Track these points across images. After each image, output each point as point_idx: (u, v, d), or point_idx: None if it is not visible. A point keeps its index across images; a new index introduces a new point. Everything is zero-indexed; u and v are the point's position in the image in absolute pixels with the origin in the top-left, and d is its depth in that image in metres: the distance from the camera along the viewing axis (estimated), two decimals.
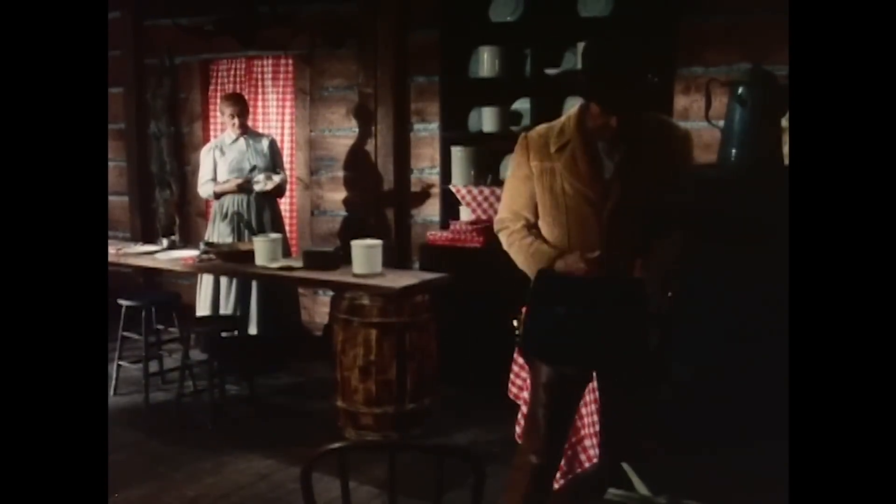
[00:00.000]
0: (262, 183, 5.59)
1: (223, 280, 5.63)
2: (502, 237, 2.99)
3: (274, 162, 5.77)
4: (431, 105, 5.76)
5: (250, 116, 6.36)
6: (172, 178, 6.90)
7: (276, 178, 5.65)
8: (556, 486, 3.37)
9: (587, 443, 3.51)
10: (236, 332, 5.34)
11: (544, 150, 2.85)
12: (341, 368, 4.52)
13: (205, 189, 5.77)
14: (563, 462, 3.42)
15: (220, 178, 5.69)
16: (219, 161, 5.69)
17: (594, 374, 3.05)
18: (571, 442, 3.44)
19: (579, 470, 3.48)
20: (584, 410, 3.48)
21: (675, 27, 4.92)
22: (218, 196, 5.72)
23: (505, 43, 5.33)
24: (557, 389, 2.91)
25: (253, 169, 5.65)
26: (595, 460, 3.48)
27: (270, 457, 4.32)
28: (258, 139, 5.78)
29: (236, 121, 5.66)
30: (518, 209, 2.93)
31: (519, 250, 2.91)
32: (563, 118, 2.92)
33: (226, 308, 5.64)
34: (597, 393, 3.25)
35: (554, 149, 2.83)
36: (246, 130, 5.75)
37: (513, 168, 2.97)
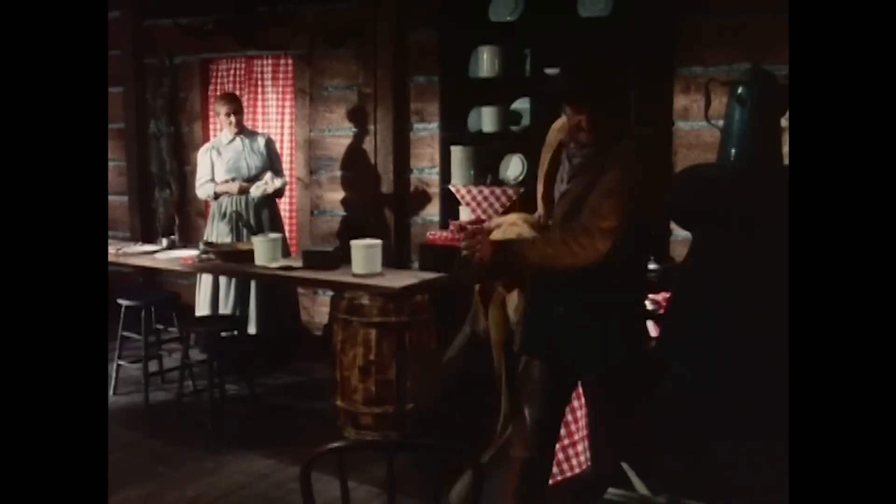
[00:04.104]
0: (260, 188, 5.60)
1: (222, 280, 5.63)
2: None
3: (271, 161, 5.77)
4: (431, 105, 5.76)
5: (250, 116, 6.38)
6: (172, 177, 6.90)
7: (277, 183, 5.66)
8: (552, 481, 3.36)
9: (579, 447, 3.50)
10: (236, 332, 5.34)
11: (552, 136, 3.01)
12: (341, 368, 4.52)
13: (203, 190, 5.77)
14: (562, 457, 3.42)
15: (218, 178, 5.69)
16: (216, 161, 5.69)
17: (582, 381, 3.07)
18: (563, 444, 3.43)
19: (569, 474, 3.46)
20: (578, 414, 3.48)
21: (674, 27, 4.93)
22: (217, 196, 5.73)
23: (505, 43, 5.33)
24: (550, 389, 2.92)
25: (255, 177, 5.65)
26: (585, 466, 3.47)
27: (270, 457, 4.32)
28: (254, 138, 5.78)
29: (232, 119, 5.65)
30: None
31: None
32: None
33: (225, 308, 5.64)
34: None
35: (555, 138, 2.97)
36: (242, 130, 5.75)
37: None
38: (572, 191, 2.80)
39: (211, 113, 6.77)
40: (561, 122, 2.98)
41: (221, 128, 5.82)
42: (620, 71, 2.89)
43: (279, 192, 5.80)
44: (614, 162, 2.72)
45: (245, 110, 6.01)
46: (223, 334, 5.24)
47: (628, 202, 2.69)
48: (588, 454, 3.45)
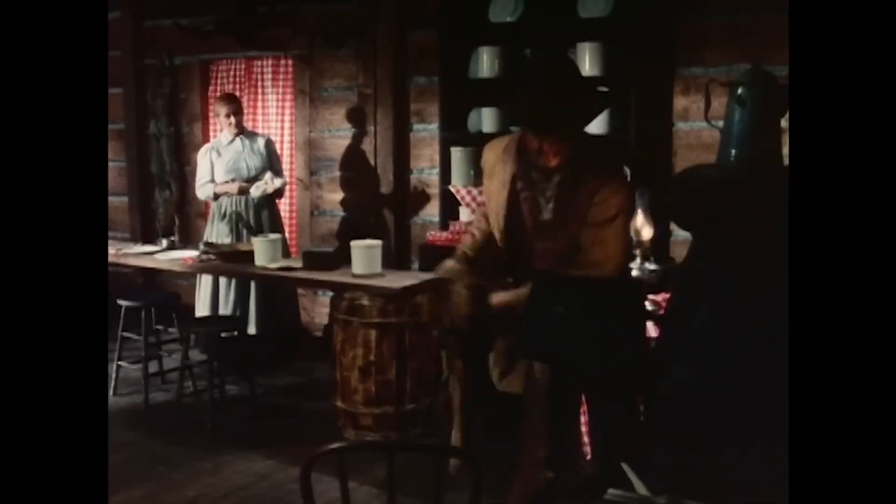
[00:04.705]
0: (260, 189, 5.60)
1: (222, 280, 5.63)
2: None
3: (271, 162, 5.78)
4: (431, 105, 5.76)
5: (250, 117, 6.38)
6: (172, 178, 6.90)
7: (277, 183, 5.66)
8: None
9: (582, 440, 3.50)
10: (236, 333, 5.34)
11: (496, 165, 2.86)
12: (341, 368, 4.52)
13: (203, 191, 5.78)
14: None
15: (218, 179, 5.69)
16: (216, 162, 5.69)
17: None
18: None
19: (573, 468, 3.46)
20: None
21: (674, 27, 4.93)
22: (217, 197, 5.73)
23: (505, 43, 5.33)
24: (557, 395, 2.91)
25: (255, 178, 5.65)
26: (589, 458, 3.47)
27: (270, 457, 4.32)
28: (254, 139, 5.78)
29: (232, 120, 5.66)
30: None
31: None
32: (514, 135, 2.89)
33: (225, 308, 5.63)
34: None
35: (502, 168, 2.82)
36: (242, 130, 5.75)
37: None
38: (562, 222, 2.75)
39: (211, 113, 6.77)
40: (501, 147, 2.88)
41: (221, 128, 5.82)
42: (583, 89, 2.78)
43: (279, 193, 5.80)
44: (600, 184, 2.70)
45: (245, 111, 6.01)
46: (223, 335, 5.25)
47: (628, 218, 2.70)
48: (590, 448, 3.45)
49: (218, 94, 6.55)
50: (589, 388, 3.07)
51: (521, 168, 2.78)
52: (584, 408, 3.40)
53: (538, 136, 2.66)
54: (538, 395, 2.91)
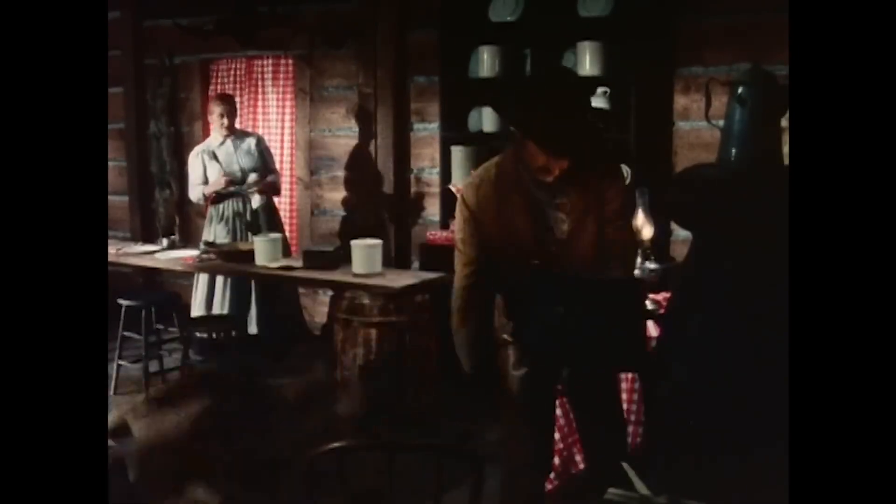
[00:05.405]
0: (254, 189, 5.59)
1: (218, 279, 5.63)
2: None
3: (263, 160, 5.77)
4: (431, 105, 5.76)
5: (250, 117, 6.39)
6: (172, 178, 6.90)
7: (270, 178, 5.64)
8: (551, 486, 3.36)
9: (579, 446, 3.50)
10: (233, 333, 5.34)
11: (484, 201, 2.78)
12: (341, 368, 4.52)
13: (195, 193, 5.79)
14: (558, 462, 3.42)
15: (212, 180, 5.70)
16: (208, 165, 5.70)
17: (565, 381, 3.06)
18: (567, 442, 3.43)
19: (574, 472, 3.46)
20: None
21: (674, 27, 4.93)
22: (208, 198, 5.72)
23: (505, 43, 5.33)
24: (544, 390, 2.92)
25: (243, 181, 5.65)
26: (583, 463, 3.47)
27: None
28: (244, 139, 5.78)
29: (224, 121, 5.66)
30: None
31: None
32: (494, 161, 2.84)
33: (220, 307, 5.63)
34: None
35: (506, 198, 2.76)
36: (233, 131, 5.75)
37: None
38: (582, 230, 2.75)
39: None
40: (487, 181, 2.78)
41: (213, 127, 5.82)
42: (596, 114, 2.81)
43: (276, 189, 5.79)
44: (607, 186, 2.74)
45: (245, 111, 6.02)
46: (217, 335, 5.24)
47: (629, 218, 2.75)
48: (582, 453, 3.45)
49: (218, 93, 6.56)
50: (580, 390, 3.07)
51: (528, 188, 2.74)
52: (573, 415, 3.40)
53: (552, 154, 2.60)
54: (525, 397, 2.91)
